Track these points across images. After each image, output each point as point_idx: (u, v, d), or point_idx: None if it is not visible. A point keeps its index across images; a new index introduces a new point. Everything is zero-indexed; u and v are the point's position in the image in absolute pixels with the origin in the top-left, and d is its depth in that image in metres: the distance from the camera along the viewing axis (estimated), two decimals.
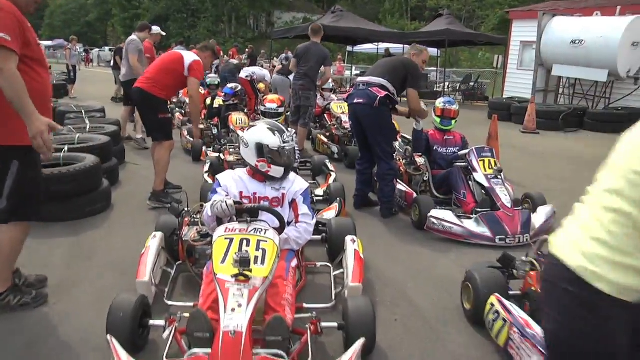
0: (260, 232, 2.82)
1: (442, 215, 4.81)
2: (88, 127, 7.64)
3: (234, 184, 3.40)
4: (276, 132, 3.33)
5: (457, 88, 20.90)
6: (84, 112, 9.10)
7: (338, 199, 4.93)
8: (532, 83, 15.31)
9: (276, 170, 3.32)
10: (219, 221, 3.03)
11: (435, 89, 20.48)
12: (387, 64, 5.60)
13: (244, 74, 11.65)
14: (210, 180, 5.61)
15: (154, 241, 3.63)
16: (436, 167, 5.85)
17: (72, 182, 5.07)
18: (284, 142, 3.29)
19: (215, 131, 8.54)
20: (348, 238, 3.81)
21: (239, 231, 2.81)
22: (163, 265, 3.73)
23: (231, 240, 2.75)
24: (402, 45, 19.98)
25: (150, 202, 5.62)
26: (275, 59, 20.51)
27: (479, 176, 5.18)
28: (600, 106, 14.23)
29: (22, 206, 3.15)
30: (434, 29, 19.25)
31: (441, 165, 5.82)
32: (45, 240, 4.56)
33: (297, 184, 3.51)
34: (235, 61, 17.07)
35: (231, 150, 7.00)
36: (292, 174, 3.56)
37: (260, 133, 3.34)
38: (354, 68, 26.25)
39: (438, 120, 5.94)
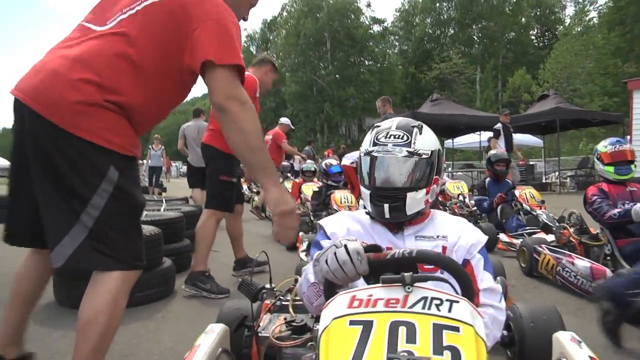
0: (438, 308, 1.28)
1: None
2: (163, 208, 6.61)
3: (347, 231, 1.94)
4: None
5: (574, 174, 18.26)
6: (164, 200, 8.19)
7: (499, 277, 3.16)
8: None
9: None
10: (331, 292, 1.48)
11: (543, 181, 18.12)
12: None
13: (347, 160, 10.70)
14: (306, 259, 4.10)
15: (208, 338, 2.07)
16: (622, 236, 4.07)
17: None
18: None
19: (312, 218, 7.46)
20: (563, 336, 2.06)
21: (384, 306, 1.29)
22: None
23: (367, 325, 1.24)
24: None
25: (184, 286, 4.22)
26: None
27: None
28: None
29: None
30: (542, 109, 17.02)
31: (630, 232, 4.03)
32: (70, 331, 3.17)
33: (468, 232, 1.95)
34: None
35: None
36: (452, 217, 2.04)
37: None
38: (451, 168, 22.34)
39: (611, 169, 4.22)
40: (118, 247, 1.95)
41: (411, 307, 1.29)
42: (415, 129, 1.89)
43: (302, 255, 4.59)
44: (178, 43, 1.96)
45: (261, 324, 2.10)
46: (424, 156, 1.86)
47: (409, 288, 1.32)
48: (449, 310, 1.28)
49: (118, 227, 1.94)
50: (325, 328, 1.30)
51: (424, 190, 1.90)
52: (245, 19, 2.47)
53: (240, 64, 1.99)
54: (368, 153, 1.90)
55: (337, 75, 48.35)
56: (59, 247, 1.88)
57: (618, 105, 25.22)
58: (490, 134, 18.32)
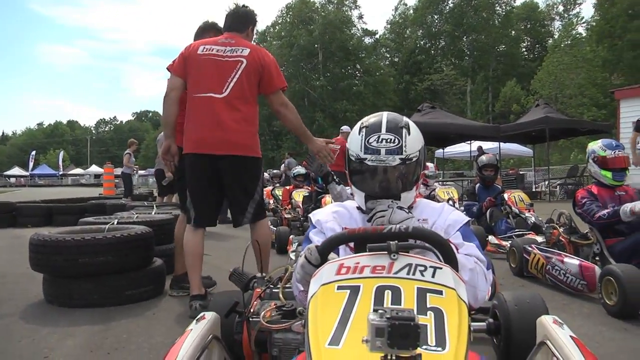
0: (422, 273, 1.33)
1: None
2: (154, 211, 6.61)
3: (334, 219, 2.03)
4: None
5: (563, 183, 18.17)
6: (155, 205, 8.16)
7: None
8: None
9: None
10: None
11: (533, 190, 18.19)
12: None
13: None
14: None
15: (199, 325, 2.08)
16: (610, 235, 4.13)
17: (111, 253, 3.81)
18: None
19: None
20: (546, 319, 2.09)
21: (371, 272, 1.34)
22: None
23: (355, 290, 1.29)
24: (496, 144, 18.19)
25: (171, 291, 4.21)
26: None
27: None
28: None
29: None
30: (531, 118, 16.99)
31: (618, 231, 4.09)
32: (60, 327, 3.32)
33: (446, 214, 2.03)
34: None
35: None
36: (434, 203, 2.12)
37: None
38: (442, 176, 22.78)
39: (609, 175, 4.23)
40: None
41: (396, 272, 1.35)
42: (404, 130, 1.92)
43: (292, 255, 4.56)
44: None
45: (252, 310, 2.11)
46: (414, 159, 1.91)
47: (394, 255, 1.39)
48: (433, 276, 1.35)
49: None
50: (313, 294, 1.34)
51: (415, 187, 1.99)
52: None
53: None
54: (360, 160, 1.91)
55: (329, 87, 48.50)
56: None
57: (607, 116, 25.50)
58: (479, 143, 18.57)
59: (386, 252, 1.41)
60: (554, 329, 1.97)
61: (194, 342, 1.90)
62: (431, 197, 8.61)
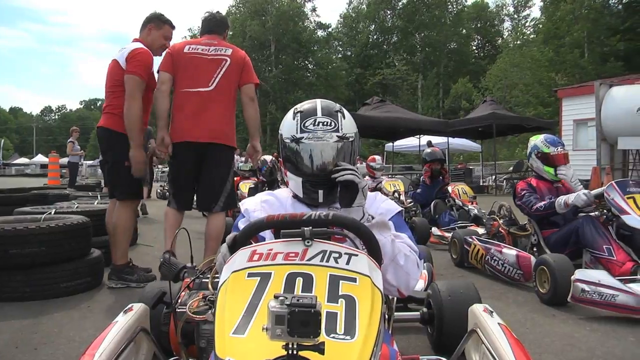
0: (337, 260, 1.31)
1: (598, 278, 3.12)
2: (97, 201, 6.39)
3: (262, 208, 1.98)
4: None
5: (509, 177, 18.73)
6: (99, 195, 7.84)
7: (426, 264, 3.25)
8: (596, 161, 13.66)
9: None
10: None
11: (481, 184, 18.67)
12: None
13: None
14: None
15: (126, 317, 2.01)
16: (547, 226, 4.27)
17: (44, 243, 3.65)
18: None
19: None
20: (477, 308, 2.13)
21: (283, 259, 1.32)
22: None
23: (265, 277, 1.27)
24: (445, 139, 18.63)
25: (109, 282, 4.07)
26: None
27: (632, 219, 3.53)
28: None
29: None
30: (479, 114, 17.43)
31: (554, 222, 4.23)
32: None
33: (379, 203, 2.03)
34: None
35: None
36: (369, 194, 2.05)
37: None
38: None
39: (552, 170, 4.32)
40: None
41: (309, 259, 1.32)
42: (340, 114, 1.89)
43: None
44: None
45: (180, 301, 2.05)
46: (350, 139, 1.87)
47: (308, 242, 1.36)
48: (347, 263, 1.32)
49: None
50: (224, 282, 1.31)
51: None
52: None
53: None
54: (296, 140, 1.84)
55: (282, 78, 48.23)
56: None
57: (550, 114, 26.35)
58: (429, 137, 18.90)
59: (300, 239, 1.38)
60: (484, 317, 2.01)
61: (119, 334, 1.84)
62: (378, 189, 8.67)
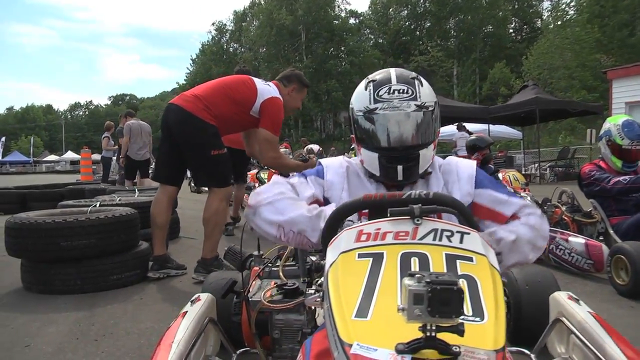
0: (449, 239, 1.22)
1: None
2: (136, 195, 6.35)
3: (341, 183, 1.80)
4: None
5: (554, 165, 18.11)
6: (136, 189, 7.78)
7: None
8: None
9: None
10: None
11: (523, 172, 17.98)
12: None
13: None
14: None
15: (195, 307, 1.90)
16: (616, 213, 3.97)
17: (94, 236, 3.61)
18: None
19: None
20: (560, 296, 1.98)
21: (394, 238, 1.21)
22: (212, 355, 1.96)
23: (378, 257, 1.17)
24: (486, 126, 17.77)
25: (195, 275, 3.89)
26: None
27: None
28: None
29: None
30: (521, 99, 16.65)
31: (623, 210, 3.94)
32: (41, 314, 3.13)
33: (461, 169, 1.86)
34: None
35: None
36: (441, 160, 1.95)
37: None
38: None
39: (619, 163, 3.99)
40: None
41: (421, 238, 1.22)
42: (417, 81, 1.72)
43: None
44: None
45: (251, 290, 1.93)
46: (430, 108, 1.70)
47: (418, 220, 1.25)
48: (461, 242, 1.22)
49: None
50: (332, 263, 1.19)
51: (432, 145, 1.76)
52: None
53: None
54: (370, 111, 1.69)
55: (312, 68, 47.79)
56: None
57: (596, 99, 25.21)
58: (465, 124, 18.26)
59: (409, 217, 1.26)
60: (570, 305, 1.90)
61: (191, 325, 1.74)
62: None
